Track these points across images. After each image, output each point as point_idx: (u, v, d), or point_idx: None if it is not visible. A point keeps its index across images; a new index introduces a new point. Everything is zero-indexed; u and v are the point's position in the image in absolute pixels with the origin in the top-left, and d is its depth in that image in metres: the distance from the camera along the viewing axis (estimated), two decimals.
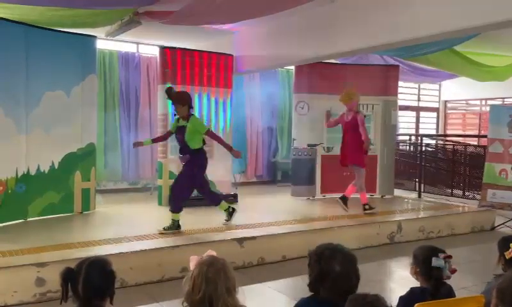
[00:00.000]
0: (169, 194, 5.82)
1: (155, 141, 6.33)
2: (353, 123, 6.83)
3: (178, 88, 7.38)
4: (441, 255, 2.48)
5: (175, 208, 5.56)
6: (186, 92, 5.91)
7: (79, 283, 2.02)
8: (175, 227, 5.49)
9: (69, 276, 2.04)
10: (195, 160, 5.53)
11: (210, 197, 5.97)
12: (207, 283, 1.82)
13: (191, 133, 5.45)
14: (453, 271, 2.50)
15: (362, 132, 6.76)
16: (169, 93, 5.63)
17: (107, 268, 2.13)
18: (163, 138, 6.25)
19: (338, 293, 1.98)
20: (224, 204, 5.96)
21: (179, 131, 5.57)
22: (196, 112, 7.54)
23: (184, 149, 5.55)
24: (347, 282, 2.02)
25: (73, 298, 2.06)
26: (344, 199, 6.89)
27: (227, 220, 5.94)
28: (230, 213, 5.97)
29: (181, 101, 5.51)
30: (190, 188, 5.67)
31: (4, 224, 5.61)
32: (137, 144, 6.02)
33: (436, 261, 2.44)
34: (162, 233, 5.37)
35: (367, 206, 6.90)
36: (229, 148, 5.81)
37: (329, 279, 2.01)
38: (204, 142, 5.64)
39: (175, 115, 5.66)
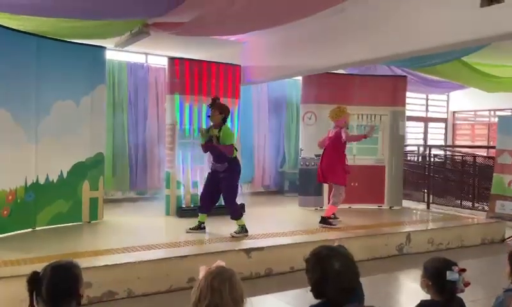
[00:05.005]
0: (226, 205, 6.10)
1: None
2: (334, 140, 6.72)
3: (186, 98, 7.47)
4: (456, 268, 2.44)
5: (237, 214, 5.96)
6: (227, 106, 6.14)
7: (43, 285, 2.01)
8: (244, 231, 5.87)
9: (35, 280, 2.03)
10: (234, 167, 5.90)
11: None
12: (212, 292, 1.82)
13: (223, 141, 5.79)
14: (467, 284, 2.46)
15: (352, 140, 6.99)
16: (214, 100, 5.91)
17: (71, 271, 2.09)
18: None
19: (343, 291, 2.00)
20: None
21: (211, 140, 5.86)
22: (203, 122, 7.61)
23: (220, 157, 5.83)
24: (349, 278, 2.04)
25: (38, 302, 2.04)
26: (324, 220, 6.65)
27: (193, 229, 6.05)
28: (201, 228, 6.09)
29: (219, 108, 5.82)
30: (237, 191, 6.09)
31: (12, 233, 5.64)
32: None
33: (450, 275, 2.41)
34: (233, 236, 5.81)
35: (328, 220, 6.65)
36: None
37: (332, 277, 2.03)
38: (236, 150, 5.98)
39: (208, 116, 5.95)
